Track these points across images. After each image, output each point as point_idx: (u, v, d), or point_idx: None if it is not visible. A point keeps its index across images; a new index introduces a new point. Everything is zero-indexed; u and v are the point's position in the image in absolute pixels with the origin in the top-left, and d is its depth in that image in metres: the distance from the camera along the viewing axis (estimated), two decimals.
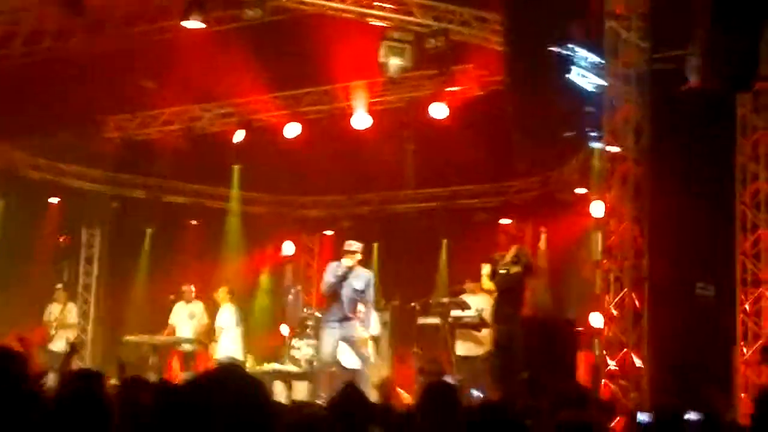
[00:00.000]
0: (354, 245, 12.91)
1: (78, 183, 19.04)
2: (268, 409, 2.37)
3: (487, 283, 14.02)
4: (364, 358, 12.59)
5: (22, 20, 15.65)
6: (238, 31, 14.85)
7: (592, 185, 14.01)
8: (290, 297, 18.78)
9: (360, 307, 12.72)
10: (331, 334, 12.40)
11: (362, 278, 12.63)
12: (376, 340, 14.47)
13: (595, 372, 12.07)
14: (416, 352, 14.90)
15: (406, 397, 12.44)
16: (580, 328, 13.46)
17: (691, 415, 7.22)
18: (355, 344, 12.47)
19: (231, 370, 2.42)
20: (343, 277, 12.50)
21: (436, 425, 5.08)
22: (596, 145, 13.15)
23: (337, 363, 12.48)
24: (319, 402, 9.94)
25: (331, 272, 12.74)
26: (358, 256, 12.76)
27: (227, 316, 16.09)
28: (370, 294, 12.76)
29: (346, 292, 12.44)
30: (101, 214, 19.55)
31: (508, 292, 12.80)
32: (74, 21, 15.13)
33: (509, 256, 13.05)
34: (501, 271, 13.44)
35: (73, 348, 8.23)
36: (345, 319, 12.40)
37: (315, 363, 13.62)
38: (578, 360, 12.60)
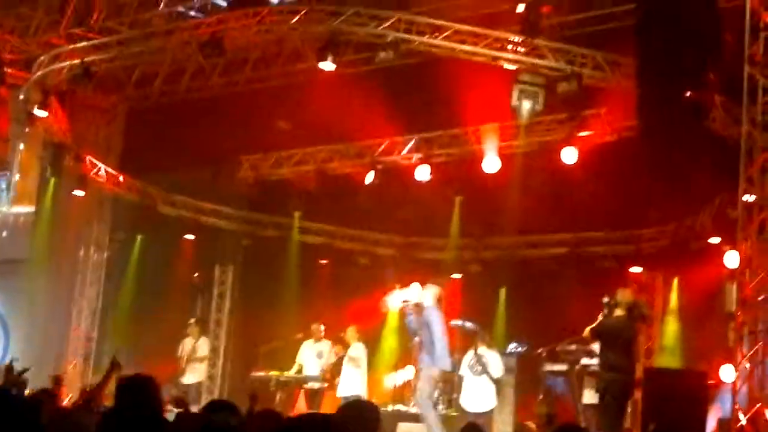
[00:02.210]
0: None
1: (212, 220, 19.47)
2: None
3: (586, 331, 13.11)
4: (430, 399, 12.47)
5: (162, 60, 16.21)
6: (370, 73, 15.06)
7: (727, 235, 13.61)
8: (417, 338, 18.69)
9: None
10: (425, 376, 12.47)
11: (429, 316, 12.82)
12: (498, 383, 14.27)
13: (726, 427, 11.65)
14: (541, 399, 14.66)
15: None
16: (711, 381, 13.05)
17: None
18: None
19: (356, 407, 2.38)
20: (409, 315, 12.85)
21: None
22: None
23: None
24: None
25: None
26: (416, 298, 12.92)
27: (357, 354, 16.05)
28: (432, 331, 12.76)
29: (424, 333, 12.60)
30: (234, 252, 19.98)
31: (611, 339, 11.71)
32: (212, 62, 15.59)
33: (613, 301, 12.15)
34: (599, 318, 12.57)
35: (116, 365, 8.20)
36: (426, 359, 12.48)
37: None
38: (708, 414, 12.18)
